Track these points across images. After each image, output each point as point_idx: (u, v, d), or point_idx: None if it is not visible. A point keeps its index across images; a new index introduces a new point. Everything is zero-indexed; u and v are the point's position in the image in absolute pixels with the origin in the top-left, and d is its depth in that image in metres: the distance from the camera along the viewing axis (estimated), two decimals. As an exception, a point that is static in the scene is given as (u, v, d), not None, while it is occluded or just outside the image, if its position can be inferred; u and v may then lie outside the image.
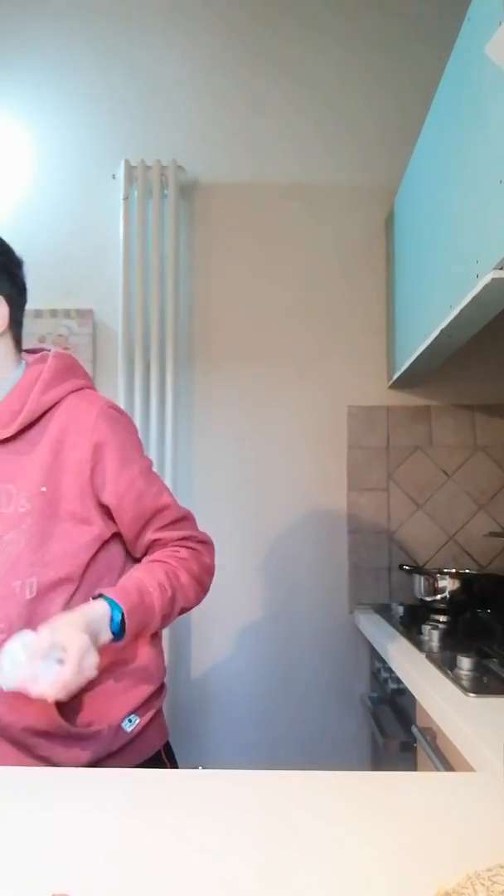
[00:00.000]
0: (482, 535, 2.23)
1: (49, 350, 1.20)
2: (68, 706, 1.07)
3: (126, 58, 2.37)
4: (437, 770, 1.20)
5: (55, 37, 2.37)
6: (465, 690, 1.25)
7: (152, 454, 2.18)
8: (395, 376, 2.17)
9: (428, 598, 1.92)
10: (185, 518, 1.17)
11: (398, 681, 1.60)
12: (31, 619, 1.05)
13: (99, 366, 2.32)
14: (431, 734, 1.31)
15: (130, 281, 2.27)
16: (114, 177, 2.32)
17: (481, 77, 1.30)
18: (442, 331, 1.59)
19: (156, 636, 1.19)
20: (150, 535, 1.14)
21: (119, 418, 1.14)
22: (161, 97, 2.37)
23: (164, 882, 0.65)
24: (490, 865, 0.65)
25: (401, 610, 1.98)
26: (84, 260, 2.33)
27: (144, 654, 1.15)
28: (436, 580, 1.91)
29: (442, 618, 1.82)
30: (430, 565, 2.19)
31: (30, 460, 1.08)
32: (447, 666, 1.39)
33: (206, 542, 1.19)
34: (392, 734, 1.63)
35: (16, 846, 0.72)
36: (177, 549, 1.14)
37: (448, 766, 1.19)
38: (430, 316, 1.68)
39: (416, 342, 1.85)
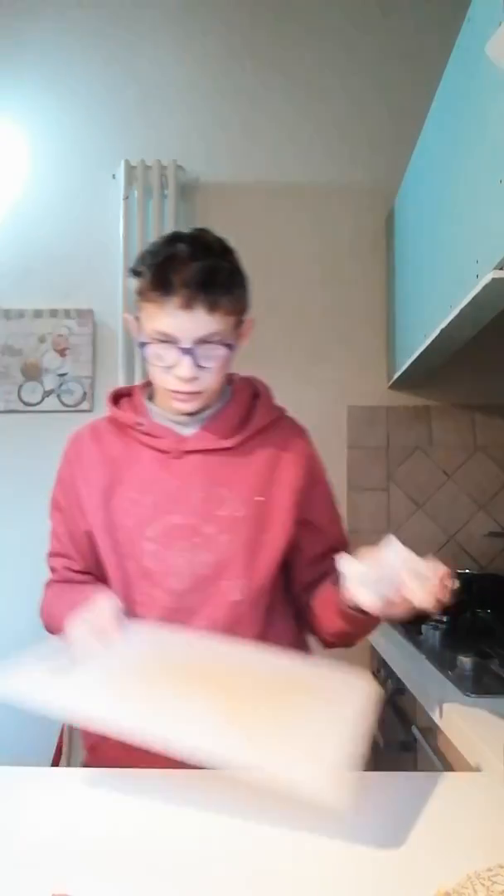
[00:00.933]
0: (482, 535, 2.22)
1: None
2: None
3: (126, 58, 2.37)
4: (437, 770, 1.20)
5: (55, 37, 2.37)
6: (465, 690, 1.25)
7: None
8: (395, 376, 2.17)
9: (428, 598, 1.91)
10: None
11: (398, 681, 1.60)
12: (237, 622, 1.05)
13: (99, 366, 2.31)
14: (431, 734, 1.31)
15: (130, 281, 2.27)
16: (114, 177, 2.32)
17: (481, 77, 1.30)
18: (442, 331, 1.58)
19: None
20: (323, 567, 1.13)
21: None
22: (161, 97, 2.36)
23: (164, 881, 0.65)
24: (490, 865, 0.65)
25: (401, 610, 1.97)
26: (84, 260, 2.33)
27: None
28: (436, 580, 1.90)
29: (442, 618, 1.82)
30: (430, 565, 2.18)
31: (245, 469, 1.09)
32: (447, 666, 1.39)
33: None
34: (392, 734, 1.63)
35: (16, 846, 0.72)
36: None
37: (448, 766, 1.19)
38: (430, 316, 1.68)
39: (416, 342, 1.85)
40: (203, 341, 1.01)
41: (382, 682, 1.76)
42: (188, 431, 1.11)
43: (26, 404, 2.29)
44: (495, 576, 2.02)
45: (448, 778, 0.92)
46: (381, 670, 1.82)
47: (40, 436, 2.29)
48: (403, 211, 2.10)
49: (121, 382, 2.24)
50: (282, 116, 2.36)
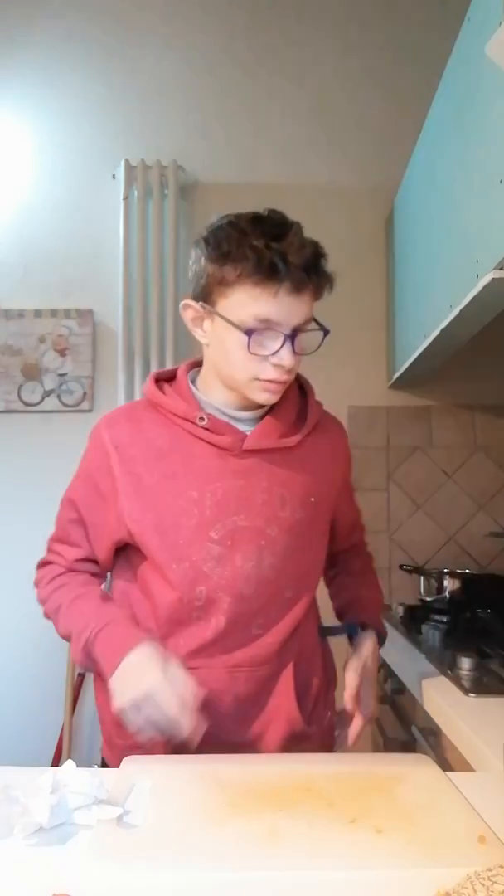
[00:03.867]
0: (482, 535, 2.22)
1: None
2: (304, 709, 1.10)
3: (126, 58, 2.37)
4: (437, 770, 1.20)
5: (55, 37, 2.37)
6: (465, 690, 1.25)
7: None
8: (395, 376, 2.17)
9: (428, 598, 1.91)
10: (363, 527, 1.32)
11: (398, 681, 1.60)
12: (293, 618, 1.07)
13: (99, 366, 2.31)
14: (431, 734, 1.31)
15: (130, 281, 2.27)
16: (114, 177, 2.32)
17: (481, 77, 1.30)
18: (442, 331, 1.58)
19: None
20: (354, 538, 1.27)
21: None
22: (161, 97, 2.36)
23: (165, 881, 0.65)
24: (490, 865, 0.65)
25: (401, 610, 1.97)
26: (84, 260, 2.33)
27: (330, 653, 1.20)
28: (436, 580, 1.91)
29: (442, 618, 1.82)
30: (430, 565, 2.19)
31: (302, 469, 1.07)
32: (447, 666, 1.39)
33: None
34: (392, 734, 1.63)
35: (16, 846, 0.72)
36: (367, 555, 1.31)
37: (448, 767, 1.19)
38: (430, 316, 1.68)
39: (416, 342, 1.85)
40: (301, 328, 0.95)
41: (382, 683, 1.76)
42: (246, 428, 1.04)
43: (26, 404, 2.29)
44: (495, 576, 2.02)
45: (448, 778, 0.92)
46: (381, 670, 1.82)
47: (40, 436, 2.29)
48: (403, 211, 2.10)
49: (121, 382, 2.24)
50: (282, 117, 2.36)
